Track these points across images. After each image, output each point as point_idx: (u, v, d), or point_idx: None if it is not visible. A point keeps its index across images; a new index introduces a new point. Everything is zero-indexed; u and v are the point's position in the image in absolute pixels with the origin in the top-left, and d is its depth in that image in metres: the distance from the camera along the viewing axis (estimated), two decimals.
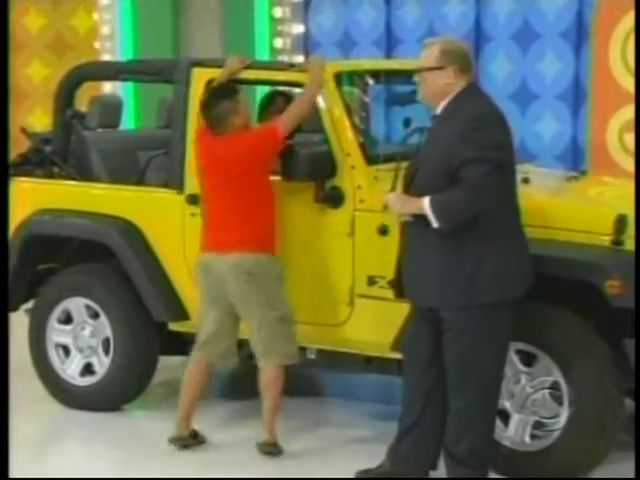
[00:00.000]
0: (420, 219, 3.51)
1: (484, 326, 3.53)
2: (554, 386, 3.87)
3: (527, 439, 3.94)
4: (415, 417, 3.74)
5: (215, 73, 4.59)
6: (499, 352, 3.62)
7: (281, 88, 4.97)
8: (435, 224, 3.46)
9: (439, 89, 3.59)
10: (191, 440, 4.37)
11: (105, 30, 7.53)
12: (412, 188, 3.58)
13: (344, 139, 4.29)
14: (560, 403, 3.86)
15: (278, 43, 7.36)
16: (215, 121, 4.20)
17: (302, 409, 4.84)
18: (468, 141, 3.44)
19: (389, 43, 6.94)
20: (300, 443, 4.40)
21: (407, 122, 4.07)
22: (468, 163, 3.42)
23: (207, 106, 4.24)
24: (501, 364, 3.65)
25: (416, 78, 3.65)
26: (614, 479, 3.95)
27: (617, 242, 3.83)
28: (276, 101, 4.88)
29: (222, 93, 4.26)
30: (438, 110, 3.62)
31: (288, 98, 4.87)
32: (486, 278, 3.50)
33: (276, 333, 4.18)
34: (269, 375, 4.22)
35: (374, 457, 3.98)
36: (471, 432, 3.60)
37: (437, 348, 3.64)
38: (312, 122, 4.54)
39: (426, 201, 3.46)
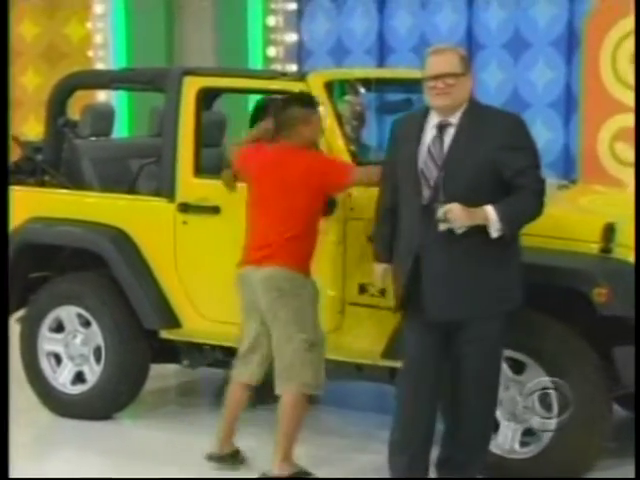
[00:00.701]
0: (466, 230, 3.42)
1: (501, 333, 3.59)
2: (544, 393, 3.89)
3: (517, 446, 3.96)
4: (427, 429, 3.67)
5: (206, 81, 4.62)
6: (500, 359, 3.70)
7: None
8: (497, 233, 3.39)
9: (464, 97, 3.50)
10: (229, 459, 4.21)
11: (98, 39, 7.54)
12: (446, 197, 3.42)
13: (335, 147, 4.30)
14: (549, 410, 3.88)
15: (271, 52, 7.38)
16: (283, 125, 4.04)
17: None
18: (520, 149, 3.46)
19: (382, 52, 6.98)
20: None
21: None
22: (526, 170, 3.44)
23: (281, 108, 4.11)
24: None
25: (430, 85, 3.48)
26: (614, 479, 3.98)
27: (605, 250, 3.85)
28: (268, 109, 4.88)
29: (299, 100, 4.13)
30: (454, 118, 3.50)
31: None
32: (511, 285, 3.54)
33: (301, 358, 3.94)
34: (287, 401, 3.96)
35: (368, 465, 3.98)
36: (486, 439, 3.70)
37: (441, 364, 3.63)
38: None
39: (491, 210, 3.38)
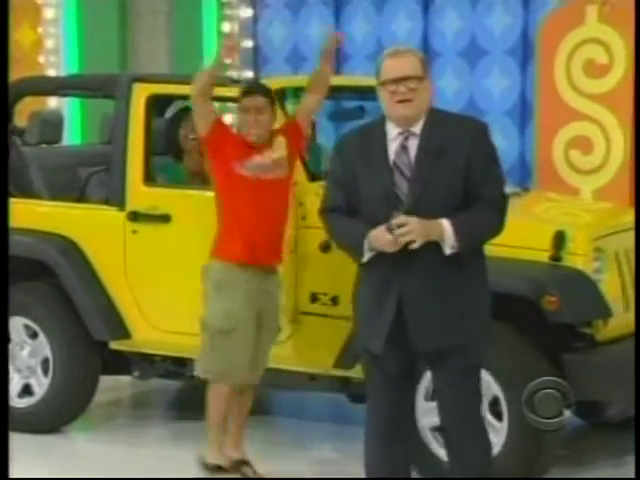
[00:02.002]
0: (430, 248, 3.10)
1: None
2: (494, 402, 3.93)
3: None
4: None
5: (156, 88, 4.64)
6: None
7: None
8: (450, 249, 3.10)
9: (428, 103, 3.18)
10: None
11: (50, 44, 7.48)
12: (419, 213, 3.09)
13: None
14: (500, 419, 3.92)
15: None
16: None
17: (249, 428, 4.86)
18: (486, 157, 3.18)
19: (338, 58, 6.98)
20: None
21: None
22: (489, 181, 3.16)
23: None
24: None
25: (393, 88, 3.12)
26: (614, 479, 3.99)
27: (555, 258, 3.92)
28: (189, 115, 4.86)
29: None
30: (416, 127, 3.16)
31: None
32: (489, 301, 3.30)
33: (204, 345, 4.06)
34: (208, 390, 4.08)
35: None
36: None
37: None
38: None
39: (447, 224, 3.09)
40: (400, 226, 3.05)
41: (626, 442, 4.25)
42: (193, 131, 4.55)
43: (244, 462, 4.17)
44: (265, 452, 4.52)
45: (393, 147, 3.18)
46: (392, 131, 3.20)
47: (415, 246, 3.08)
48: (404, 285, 3.14)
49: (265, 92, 4.10)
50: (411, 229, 3.05)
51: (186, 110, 4.86)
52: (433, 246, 3.10)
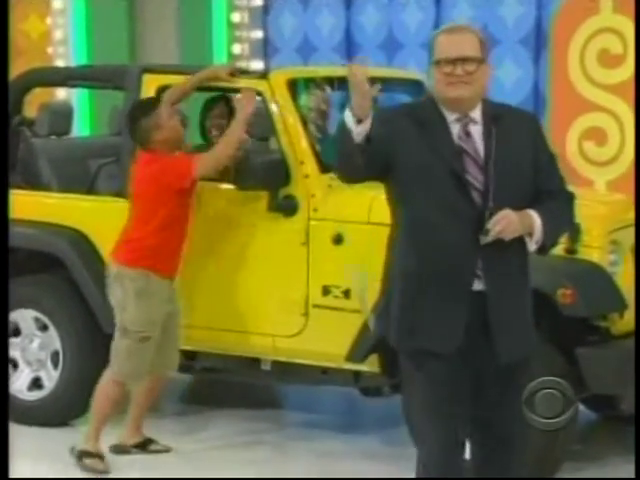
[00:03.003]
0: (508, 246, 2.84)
1: None
2: None
3: None
4: None
5: (166, 79, 4.62)
6: None
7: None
8: (536, 244, 2.87)
9: (486, 88, 2.89)
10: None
11: (58, 35, 7.49)
12: (502, 204, 2.82)
13: (298, 147, 4.33)
14: None
15: (236, 49, 7.37)
16: (137, 138, 4.28)
17: (261, 420, 4.87)
18: (549, 153, 2.96)
19: (349, 49, 7.00)
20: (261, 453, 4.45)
21: None
22: (557, 176, 2.96)
23: (129, 122, 4.31)
24: None
25: (444, 71, 2.81)
26: (614, 479, 3.97)
27: (570, 251, 3.90)
28: (219, 105, 4.89)
29: (144, 107, 4.29)
30: (474, 114, 2.88)
31: (230, 103, 4.90)
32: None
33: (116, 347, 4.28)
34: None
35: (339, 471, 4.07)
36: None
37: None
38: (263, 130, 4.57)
39: (535, 216, 2.84)
40: (497, 223, 2.78)
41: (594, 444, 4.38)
42: (217, 125, 4.66)
43: (150, 441, 4.46)
44: (276, 446, 4.54)
45: (455, 131, 2.88)
46: (449, 115, 2.88)
47: (489, 240, 2.80)
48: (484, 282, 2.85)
49: None
50: (509, 222, 2.78)
51: (210, 103, 4.86)
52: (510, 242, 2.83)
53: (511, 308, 2.90)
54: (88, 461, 4.29)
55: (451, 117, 2.88)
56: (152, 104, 4.28)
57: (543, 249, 2.92)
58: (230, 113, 4.84)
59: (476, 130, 2.89)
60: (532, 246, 2.88)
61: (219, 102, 4.86)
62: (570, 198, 3.01)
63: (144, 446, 4.47)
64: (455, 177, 2.85)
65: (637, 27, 5.59)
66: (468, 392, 2.95)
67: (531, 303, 3.01)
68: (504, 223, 2.79)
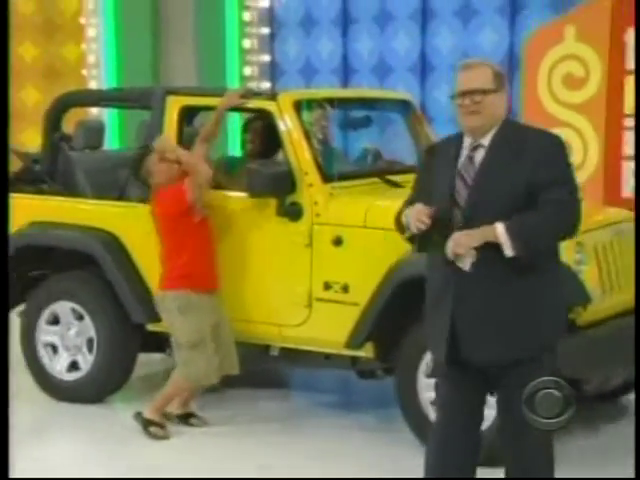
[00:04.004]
0: (489, 256, 2.77)
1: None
2: None
3: None
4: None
5: (187, 100, 4.58)
6: None
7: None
8: (510, 251, 2.75)
9: (496, 117, 2.84)
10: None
11: (92, 59, 7.44)
12: (475, 217, 2.82)
13: (302, 160, 4.27)
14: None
15: (247, 71, 7.34)
16: (143, 183, 4.45)
17: (269, 399, 4.83)
18: (552, 167, 2.81)
19: (345, 72, 6.96)
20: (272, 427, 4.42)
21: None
22: (553, 184, 2.80)
23: (134, 174, 4.52)
24: None
25: (460, 103, 2.83)
26: (614, 479, 3.69)
27: None
28: (255, 123, 4.82)
29: (136, 162, 4.46)
30: (485, 139, 2.86)
31: (265, 122, 4.82)
32: (560, 315, 2.96)
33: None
34: (173, 380, 4.36)
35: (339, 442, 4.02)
36: None
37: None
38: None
39: (500, 226, 2.76)
40: (453, 248, 2.78)
41: (600, 411, 4.29)
42: (251, 140, 4.68)
43: (191, 414, 4.43)
44: (282, 420, 4.51)
45: (463, 156, 2.90)
46: (467, 141, 2.91)
47: (466, 267, 2.76)
48: (459, 292, 2.81)
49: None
50: (455, 243, 2.77)
51: (250, 119, 4.81)
52: (496, 254, 2.75)
53: (481, 315, 2.80)
54: (153, 429, 4.29)
55: (466, 143, 2.91)
56: (140, 159, 4.42)
57: (525, 251, 2.76)
58: (264, 131, 4.72)
59: (479, 155, 2.88)
60: (506, 251, 2.77)
61: (255, 121, 4.79)
62: (563, 203, 2.82)
63: (186, 418, 4.43)
64: (449, 197, 2.86)
65: (637, 28, 5.44)
66: (473, 396, 2.96)
67: (536, 308, 2.83)
68: (451, 245, 2.78)
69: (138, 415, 4.37)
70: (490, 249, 2.78)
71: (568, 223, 2.87)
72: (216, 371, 4.27)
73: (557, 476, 3.57)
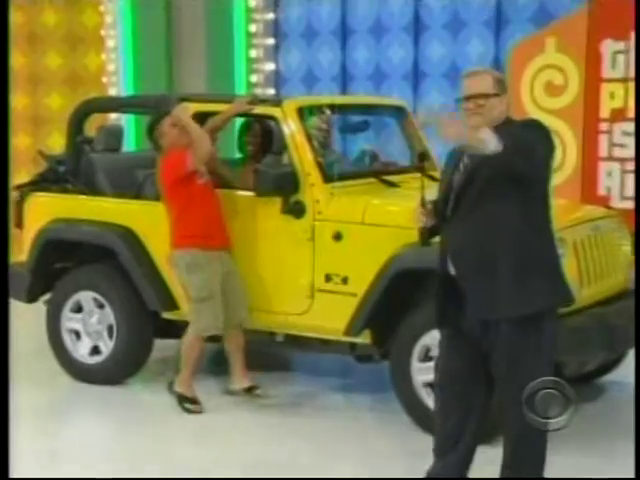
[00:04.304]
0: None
1: (533, 338, 2.96)
2: None
3: None
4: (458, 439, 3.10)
5: (199, 107, 4.54)
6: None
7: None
8: (494, 146, 2.70)
9: (495, 117, 2.91)
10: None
11: (111, 68, 7.39)
12: (465, 201, 2.92)
13: (305, 161, 4.24)
14: None
15: (253, 79, 7.29)
16: (153, 144, 4.40)
17: (274, 380, 4.80)
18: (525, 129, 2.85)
19: (344, 80, 6.91)
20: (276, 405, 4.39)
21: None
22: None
23: (148, 134, 4.44)
24: None
25: (464, 106, 2.93)
26: (614, 479, 3.54)
27: None
28: (254, 126, 4.81)
29: (152, 124, 4.40)
30: None
31: (262, 125, 4.81)
32: (535, 285, 2.91)
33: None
34: (185, 341, 4.36)
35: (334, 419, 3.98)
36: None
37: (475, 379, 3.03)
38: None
39: (486, 129, 2.75)
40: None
41: (580, 392, 4.12)
42: (253, 142, 4.67)
43: (254, 387, 4.36)
44: (286, 400, 4.48)
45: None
46: None
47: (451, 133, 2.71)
48: (452, 250, 2.97)
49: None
50: (448, 126, 2.71)
51: (248, 122, 4.78)
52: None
53: (476, 263, 2.90)
54: (188, 406, 4.29)
55: None
56: (158, 120, 4.34)
57: (507, 149, 2.72)
58: (263, 133, 4.76)
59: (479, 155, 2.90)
60: (491, 145, 2.71)
61: (254, 124, 4.77)
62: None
63: (250, 390, 4.37)
64: (448, 182, 3.02)
65: (637, 28, 5.37)
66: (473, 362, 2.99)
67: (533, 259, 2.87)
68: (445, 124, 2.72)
69: (171, 385, 4.37)
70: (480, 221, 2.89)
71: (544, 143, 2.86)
72: (222, 321, 4.22)
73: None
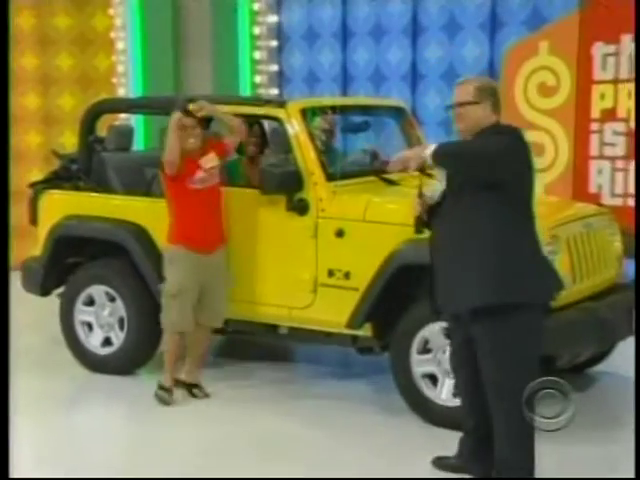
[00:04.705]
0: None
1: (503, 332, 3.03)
2: None
3: (452, 397, 3.91)
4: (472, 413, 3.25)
5: None
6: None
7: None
8: (429, 150, 2.97)
9: (476, 122, 3.03)
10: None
11: (121, 69, 7.34)
12: (451, 198, 3.10)
13: (309, 161, 4.22)
14: None
15: (257, 79, 7.26)
16: None
17: (277, 370, 4.80)
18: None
19: (345, 80, 6.88)
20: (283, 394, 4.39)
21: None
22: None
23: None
24: None
25: (452, 113, 3.11)
26: (614, 479, 3.46)
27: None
28: (254, 128, 4.78)
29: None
30: (470, 137, 3.08)
31: (260, 126, 4.78)
32: (489, 278, 2.99)
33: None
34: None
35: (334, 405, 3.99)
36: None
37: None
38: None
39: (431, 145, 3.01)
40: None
41: (572, 382, 4.09)
42: (254, 143, 4.62)
43: (197, 387, 4.35)
44: (289, 389, 4.48)
45: None
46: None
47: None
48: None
49: (195, 116, 4.18)
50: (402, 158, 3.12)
51: (247, 123, 4.73)
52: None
53: (438, 271, 3.07)
54: (160, 392, 4.28)
55: None
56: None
57: (440, 157, 3.00)
58: (263, 134, 4.75)
59: None
60: (426, 151, 3.00)
61: (254, 126, 4.74)
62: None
63: (191, 387, 4.38)
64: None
65: (637, 28, 5.33)
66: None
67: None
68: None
69: (160, 386, 4.35)
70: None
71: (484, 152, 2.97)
72: (190, 322, 4.20)
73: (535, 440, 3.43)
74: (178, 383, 4.37)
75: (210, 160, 4.17)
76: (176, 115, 4.16)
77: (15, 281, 4.97)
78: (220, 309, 4.30)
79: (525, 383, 2.85)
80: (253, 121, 4.76)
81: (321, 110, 4.63)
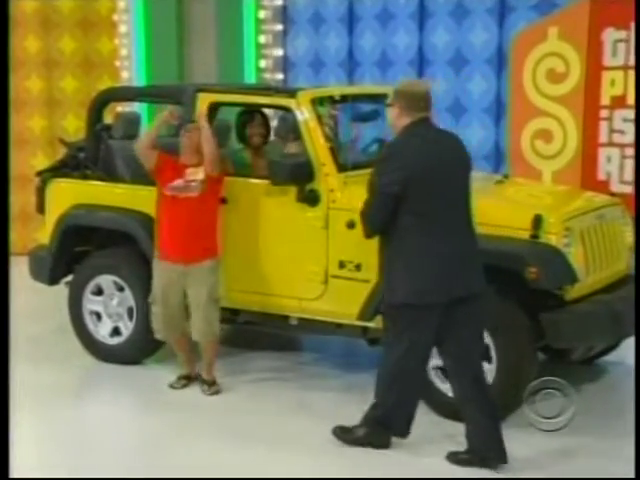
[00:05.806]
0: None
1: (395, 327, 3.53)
2: (485, 349, 3.81)
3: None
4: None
5: (216, 97, 4.44)
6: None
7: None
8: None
9: (392, 123, 3.39)
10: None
11: (124, 52, 7.24)
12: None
13: (320, 152, 4.17)
14: (489, 361, 3.80)
15: (262, 64, 7.16)
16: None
17: (286, 360, 4.78)
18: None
19: (350, 65, 6.78)
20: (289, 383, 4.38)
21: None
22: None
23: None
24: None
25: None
26: (614, 479, 3.40)
27: (534, 236, 3.76)
28: (257, 117, 4.70)
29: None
30: None
31: (263, 117, 4.71)
32: (398, 279, 3.39)
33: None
34: None
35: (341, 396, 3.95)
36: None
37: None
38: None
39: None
40: None
41: (583, 373, 4.23)
42: (258, 133, 4.55)
43: (213, 382, 4.30)
44: (297, 378, 4.47)
45: None
46: None
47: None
48: None
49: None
50: None
51: (251, 112, 4.66)
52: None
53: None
54: (174, 380, 4.35)
55: None
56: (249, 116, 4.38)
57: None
58: (266, 123, 4.68)
59: None
60: None
61: (257, 115, 4.66)
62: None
63: (206, 383, 4.32)
64: None
65: (637, 26, 5.27)
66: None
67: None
68: None
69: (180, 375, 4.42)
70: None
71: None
72: (171, 331, 4.25)
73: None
74: (198, 377, 4.36)
75: (195, 173, 4.08)
76: (167, 112, 4.11)
77: (22, 267, 4.95)
78: (198, 324, 4.17)
79: None
80: (254, 111, 4.67)
81: (330, 98, 4.55)
